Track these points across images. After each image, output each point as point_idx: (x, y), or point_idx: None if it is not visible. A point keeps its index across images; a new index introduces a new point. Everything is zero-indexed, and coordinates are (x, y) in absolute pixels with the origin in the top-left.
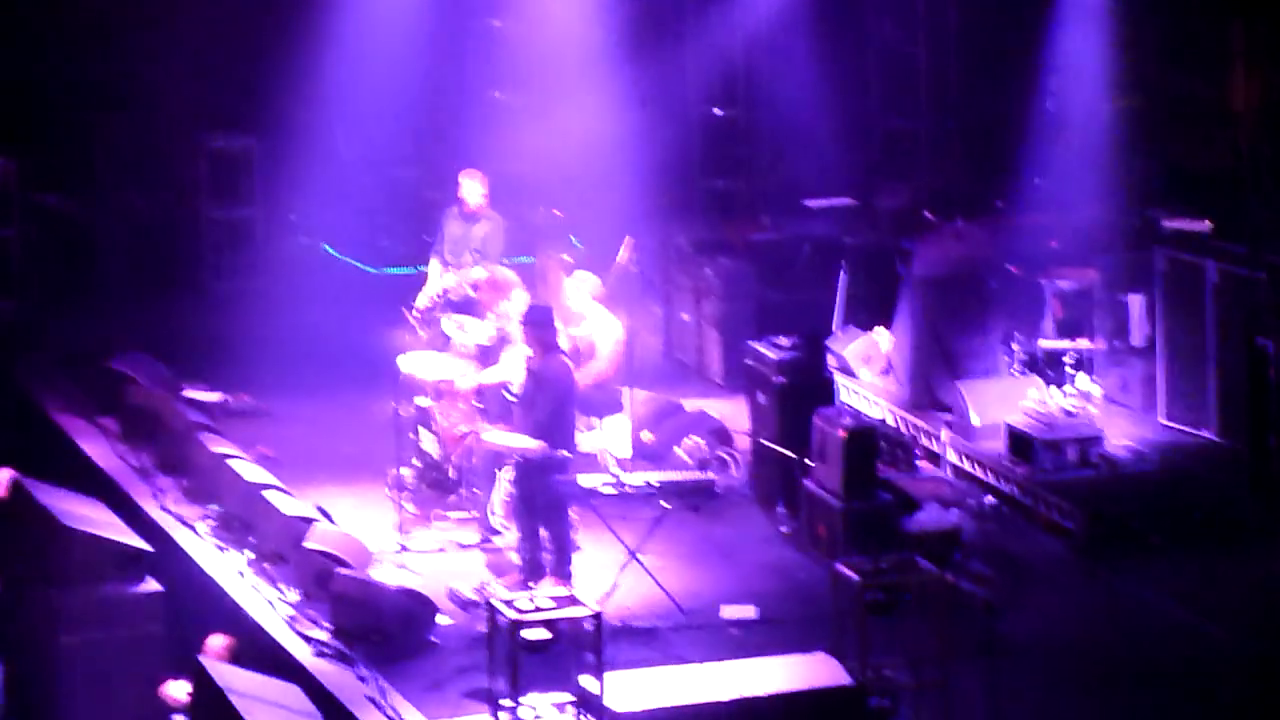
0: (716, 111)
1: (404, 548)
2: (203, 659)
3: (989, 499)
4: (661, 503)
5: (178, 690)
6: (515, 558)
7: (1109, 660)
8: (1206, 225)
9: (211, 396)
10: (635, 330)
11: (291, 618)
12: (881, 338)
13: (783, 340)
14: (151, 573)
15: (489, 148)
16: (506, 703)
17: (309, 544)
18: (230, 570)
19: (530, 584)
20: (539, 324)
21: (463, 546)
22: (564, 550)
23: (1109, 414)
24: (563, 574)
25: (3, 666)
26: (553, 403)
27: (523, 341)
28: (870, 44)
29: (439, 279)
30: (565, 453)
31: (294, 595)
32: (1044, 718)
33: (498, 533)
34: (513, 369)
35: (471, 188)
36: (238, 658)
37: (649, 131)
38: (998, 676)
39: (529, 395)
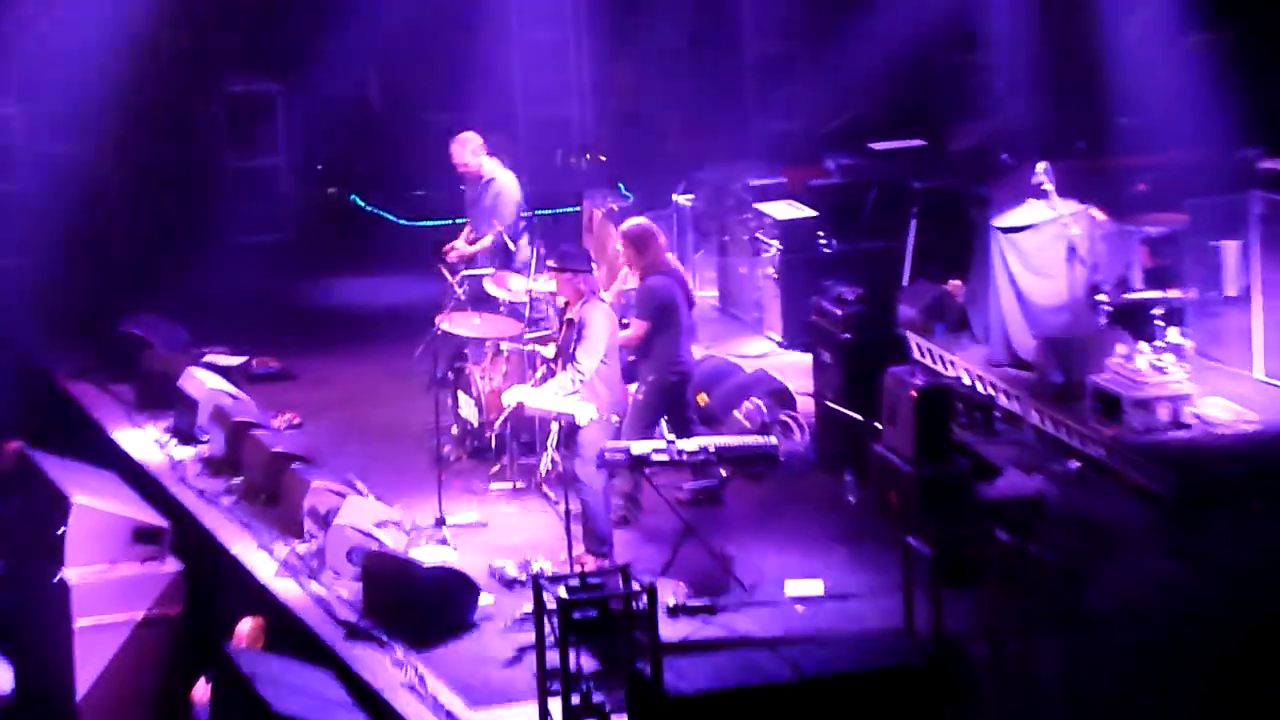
0: (773, 49)
1: (442, 521)
2: (229, 646)
3: (1073, 463)
4: (719, 471)
5: (206, 693)
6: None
7: (1199, 634)
8: None
9: (232, 360)
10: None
11: (322, 598)
12: (956, 290)
13: (848, 294)
14: (171, 551)
15: (530, 90)
16: (555, 688)
17: (340, 519)
18: (255, 547)
19: (584, 560)
20: (573, 267)
21: (506, 519)
22: (595, 525)
23: (1201, 370)
24: (596, 550)
25: (9, 654)
26: (600, 352)
27: (560, 287)
28: None
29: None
30: (615, 417)
31: (325, 574)
32: (1129, 694)
33: (553, 501)
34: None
35: (458, 151)
36: (266, 641)
37: (700, 70)
38: (1081, 652)
39: (567, 347)
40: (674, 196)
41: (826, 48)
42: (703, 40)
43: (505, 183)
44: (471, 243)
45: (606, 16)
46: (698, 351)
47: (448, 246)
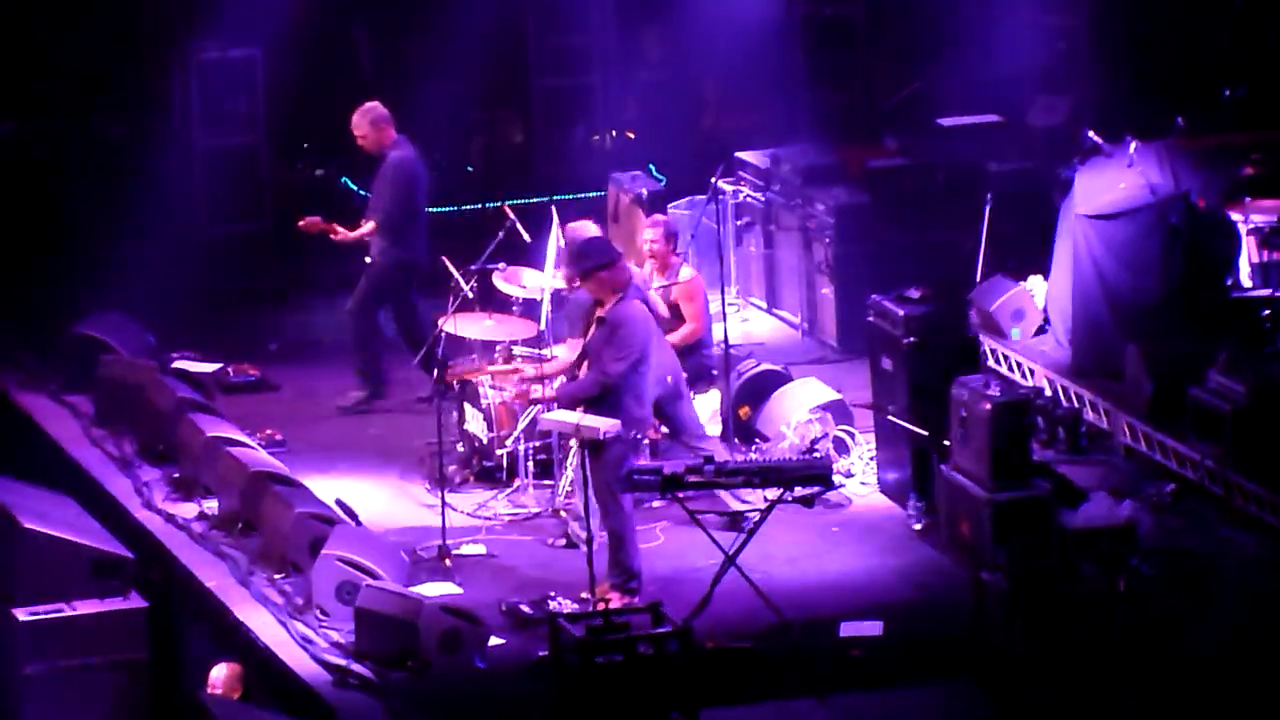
0: (826, 10)
1: (446, 552)
2: (202, 694)
3: (1169, 486)
4: (764, 494)
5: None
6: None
7: None
8: None
9: (206, 367)
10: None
11: (308, 640)
12: (1036, 288)
13: (913, 292)
14: (135, 585)
15: (544, 57)
16: None
17: (329, 549)
18: (231, 582)
19: (609, 596)
20: (597, 263)
21: (519, 550)
22: (622, 555)
23: None
24: (624, 586)
25: None
26: (634, 355)
27: (589, 289)
28: None
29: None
30: (638, 435)
31: (311, 612)
32: None
33: (570, 535)
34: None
35: (359, 122)
36: (245, 690)
37: (741, 34)
38: (1178, 706)
39: (596, 348)
40: (712, 180)
41: (887, 9)
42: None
43: (394, 163)
44: (354, 228)
45: None
46: (739, 358)
47: (327, 225)
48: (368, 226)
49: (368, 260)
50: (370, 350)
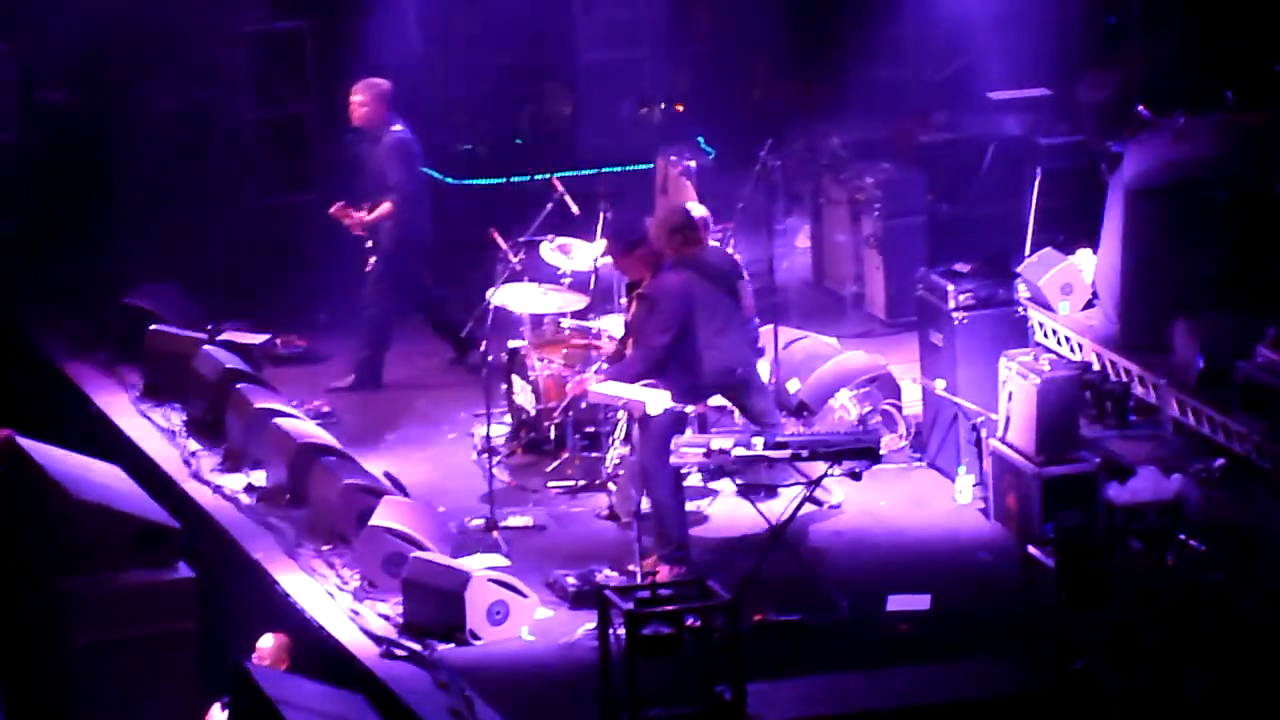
0: None
1: (494, 524)
2: (248, 665)
3: (1218, 461)
4: (813, 468)
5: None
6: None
7: None
8: None
9: (254, 338)
10: (780, 254)
11: (355, 611)
12: (1085, 262)
13: (961, 266)
14: (182, 556)
15: (593, 30)
16: (622, 717)
17: (376, 520)
18: (278, 553)
19: (656, 569)
20: (637, 239)
21: (566, 522)
22: (667, 526)
23: None
24: (671, 555)
25: None
26: (675, 326)
27: (625, 271)
28: None
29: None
30: (688, 406)
31: (357, 583)
32: None
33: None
34: None
35: (360, 94)
36: (292, 661)
37: (790, 7)
38: (1227, 681)
39: (639, 324)
40: (761, 153)
41: None
42: None
43: (393, 142)
44: (370, 210)
45: None
46: (787, 333)
47: (345, 211)
48: (384, 207)
49: (369, 244)
50: (379, 340)
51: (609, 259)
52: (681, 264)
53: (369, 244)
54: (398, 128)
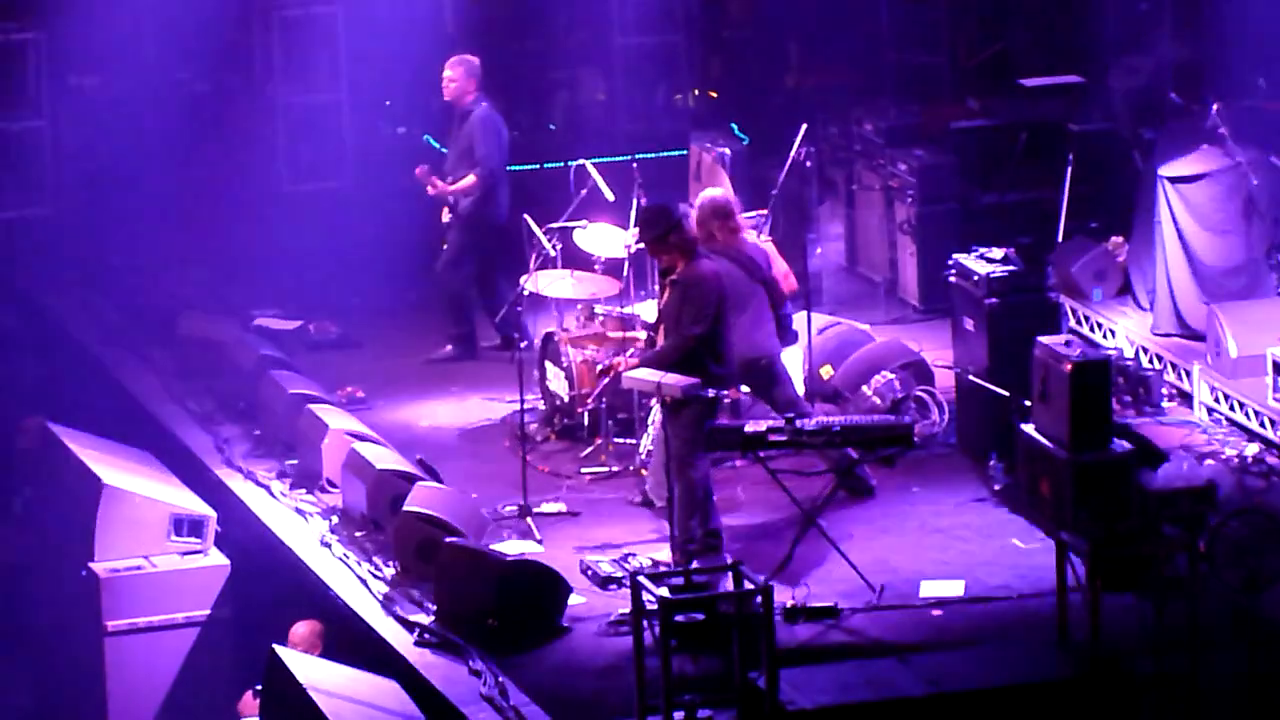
0: None
1: (527, 510)
2: (281, 650)
3: (1252, 448)
4: (848, 454)
5: (255, 707)
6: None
7: None
8: None
9: (287, 324)
10: (813, 241)
11: (388, 598)
12: (1117, 249)
13: (995, 252)
14: (216, 543)
15: (628, 15)
16: (656, 703)
17: (410, 507)
18: (312, 539)
19: (689, 557)
20: (669, 224)
21: (600, 508)
22: (699, 512)
23: None
24: (704, 541)
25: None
26: (710, 313)
27: (658, 257)
28: None
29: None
30: (720, 389)
31: (391, 570)
32: None
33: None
34: None
35: (451, 70)
36: (324, 648)
37: None
38: (1260, 668)
39: (672, 312)
40: (795, 140)
41: None
42: None
43: (484, 118)
44: (453, 183)
45: None
46: (820, 319)
47: (430, 177)
48: (467, 180)
49: (447, 218)
50: (463, 310)
51: (642, 244)
52: (714, 251)
53: (446, 219)
54: (486, 106)
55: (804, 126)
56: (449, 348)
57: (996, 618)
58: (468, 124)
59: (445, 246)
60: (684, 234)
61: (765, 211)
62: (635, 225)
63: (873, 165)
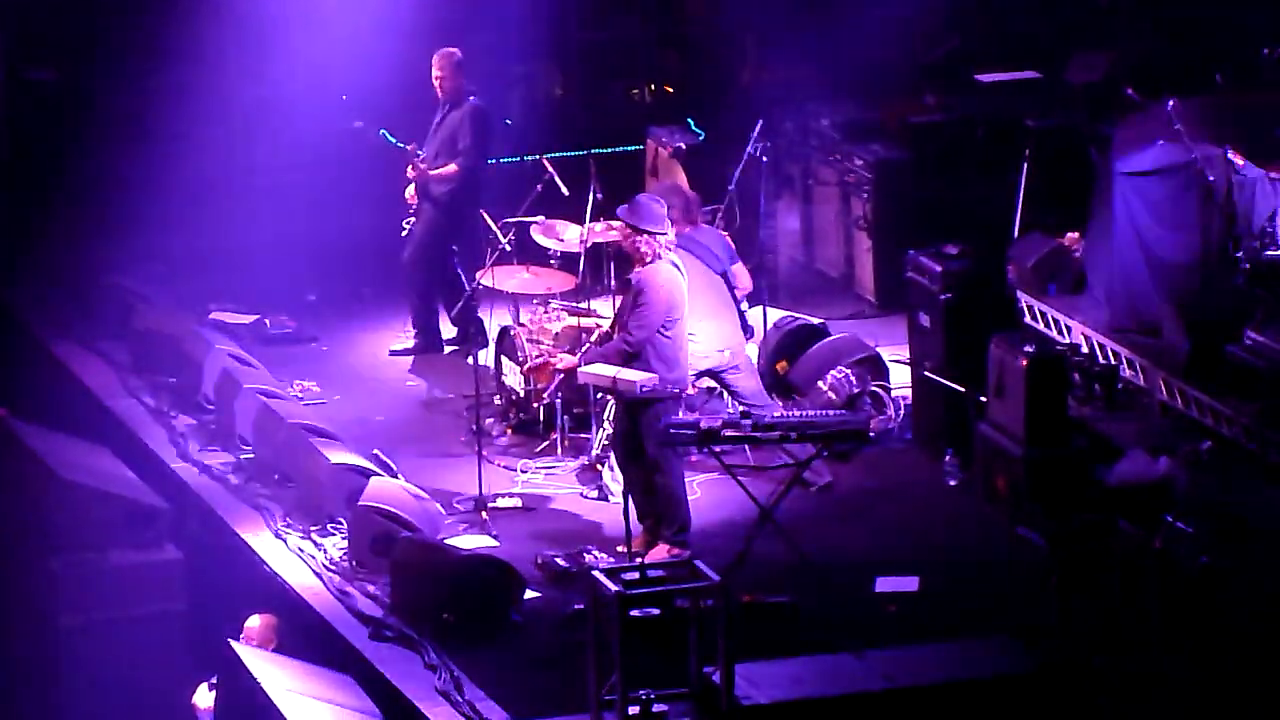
0: None
1: (483, 504)
2: (236, 645)
3: (1205, 443)
4: (802, 450)
5: (209, 700)
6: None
7: None
8: None
9: (243, 318)
10: (768, 236)
11: (343, 592)
12: (1073, 244)
13: (951, 248)
14: (170, 537)
15: (585, 11)
16: (611, 697)
17: (365, 501)
18: (267, 534)
19: (640, 550)
20: (645, 228)
21: (554, 503)
22: (673, 509)
23: None
24: (674, 538)
25: None
26: (656, 321)
27: (622, 247)
28: None
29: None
30: (676, 389)
31: (346, 564)
32: (1271, 711)
33: (605, 488)
34: None
35: (440, 65)
36: (279, 642)
37: None
38: (1214, 662)
39: (625, 313)
40: (751, 135)
41: None
42: None
43: (469, 111)
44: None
45: None
46: (776, 314)
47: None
48: (449, 168)
49: (412, 212)
50: (429, 300)
51: (619, 223)
52: (677, 244)
53: (412, 209)
54: (476, 98)
55: (760, 122)
56: (413, 339)
57: (952, 613)
58: (455, 115)
59: (408, 233)
60: (653, 244)
61: (719, 208)
62: (627, 204)
63: (829, 160)
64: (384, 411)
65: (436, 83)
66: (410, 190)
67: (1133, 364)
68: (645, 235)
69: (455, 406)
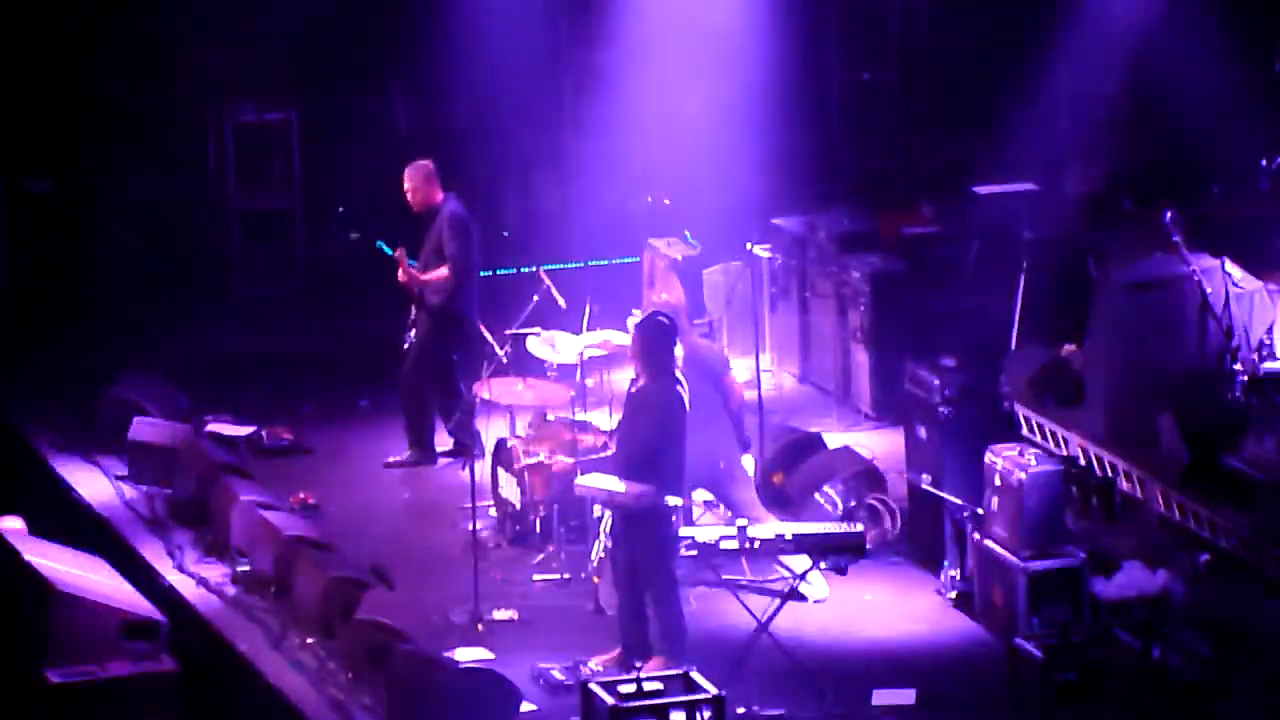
0: (863, 75)
1: (479, 617)
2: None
3: (1204, 556)
4: (798, 562)
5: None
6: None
7: None
8: None
9: (240, 430)
10: (765, 348)
11: (340, 704)
12: (1071, 356)
13: (948, 360)
14: (166, 648)
15: (586, 120)
16: None
17: (362, 614)
18: (264, 645)
19: (635, 663)
20: (657, 338)
21: (552, 615)
22: (672, 623)
23: None
24: (672, 651)
25: None
26: (659, 437)
27: (631, 356)
28: None
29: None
30: (674, 500)
31: (342, 676)
32: None
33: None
34: None
35: (410, 179)
36: None
37: (780, 100)
38: None
39: (627, 426)
40: (748, 245)
41: (923, 75)
42: (786, 61)
43: (448, 220)
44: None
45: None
46: (772, 425)
47: (404, 261)
48: (440, 272)
49: (411, 323)
50: (425, 414)
51: (630, 339)
52: None
53: (411, 319)
54: (452, 204)
55: (757, 232)
56: (409, 452)
57: None
58: (437, 222)
59: (408, 346)
60: (668, 355)
61: (710, 319)
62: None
63: (825, 271)
64: (379, 522)
65: (408, 195)
66: (413, 310)
67: (1130, 476)
68: (661, 350)
69: (451, 518)
